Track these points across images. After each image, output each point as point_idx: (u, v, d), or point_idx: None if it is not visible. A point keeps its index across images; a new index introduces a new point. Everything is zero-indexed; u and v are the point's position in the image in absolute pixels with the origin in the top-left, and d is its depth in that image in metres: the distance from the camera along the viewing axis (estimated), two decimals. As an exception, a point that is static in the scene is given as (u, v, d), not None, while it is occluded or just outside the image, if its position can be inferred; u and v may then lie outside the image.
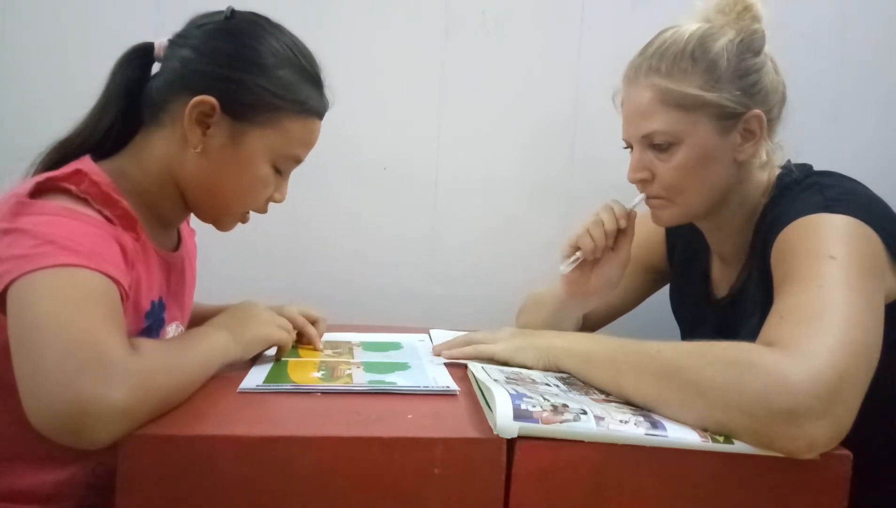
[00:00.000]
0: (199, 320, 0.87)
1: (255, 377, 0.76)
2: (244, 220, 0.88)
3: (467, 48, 1.29)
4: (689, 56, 0.86)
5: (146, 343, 0.67)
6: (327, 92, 0.87)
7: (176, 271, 0.88)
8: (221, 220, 0.87)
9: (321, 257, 1.30)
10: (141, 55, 0.82)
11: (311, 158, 1.27)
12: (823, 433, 0.61)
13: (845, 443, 0.64)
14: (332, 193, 1.30)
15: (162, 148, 0.80)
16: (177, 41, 0.81)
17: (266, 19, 0.83)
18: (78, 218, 0.70)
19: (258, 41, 0.80)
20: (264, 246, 1.28)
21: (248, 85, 0.78)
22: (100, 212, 0.72)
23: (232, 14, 0.81)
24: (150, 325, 0.80)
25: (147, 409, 0.62)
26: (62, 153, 0.79)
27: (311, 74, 0.84)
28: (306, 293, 1.24)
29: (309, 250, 1.30)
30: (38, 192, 0.71)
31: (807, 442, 0.61)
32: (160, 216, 0.84)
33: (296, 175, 1.27)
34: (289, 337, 0.86)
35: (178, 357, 0.70)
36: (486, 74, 1.30)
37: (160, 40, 0.82)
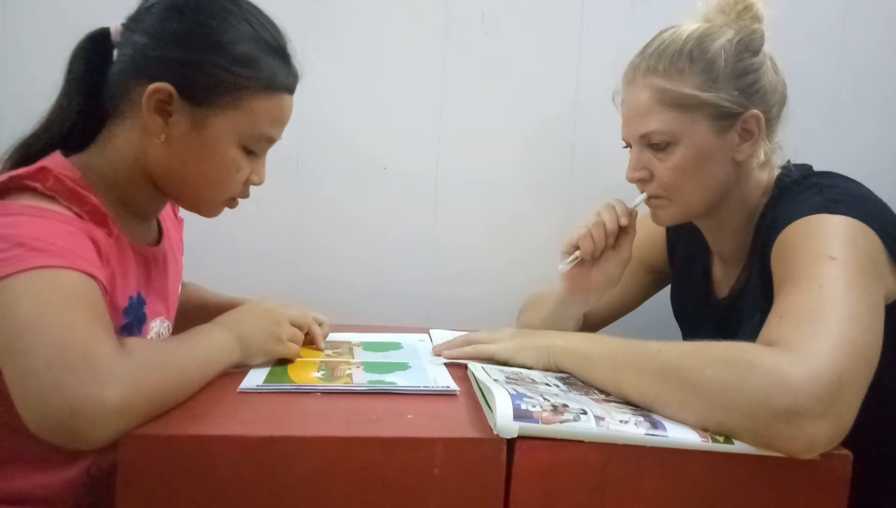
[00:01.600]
0: (209, 310, 0.87)
1: (255, 377, 0.76)
2: (231, 205, 0.85)
3: (467, 49, 1.29)
4: (687, 56, 0.86)
5: (137, 342, 0.66)
6: (296, 63, 0.82)
7: (157, 265, 0.86)
8: (201, 207, 0.84)
9: (321, 257, 1.30)
10: (98, 42, 0.79)
11: (312, 158, 1.28)
12: (823, 433, 0.61)
13: (845, 443, 0.64)
14: (333, 193, 1.30)
15: (126, 139, 0.77)
16: (129, 25, 0.77)
17: None
18: (46, 216, 0.68)
19: (212, 17, 0.75)
20: (264, 246, 1.28)
21: (205, 66, 0.74)
22: (68, 208, 0.70)
23: None
24: (130, 321, 0.78)
25: (142, 407, 0.61)
26: (28, 151, 0.77)
27: (273, 46, 0.78)
28: (306, 293, 1.24)
29: (309, 251, 1.30)
30: (3, 192, 0.69)
31: (807, 442, 0.61)
32: (135, 209, 0.82)
33: (296, 176, 1.28)
34: (297, 350, 0.85)
35: (175, 357, 0.69)
36: (486, 75, 1.30)
37: (115, 25, 0.79)
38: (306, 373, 0.80)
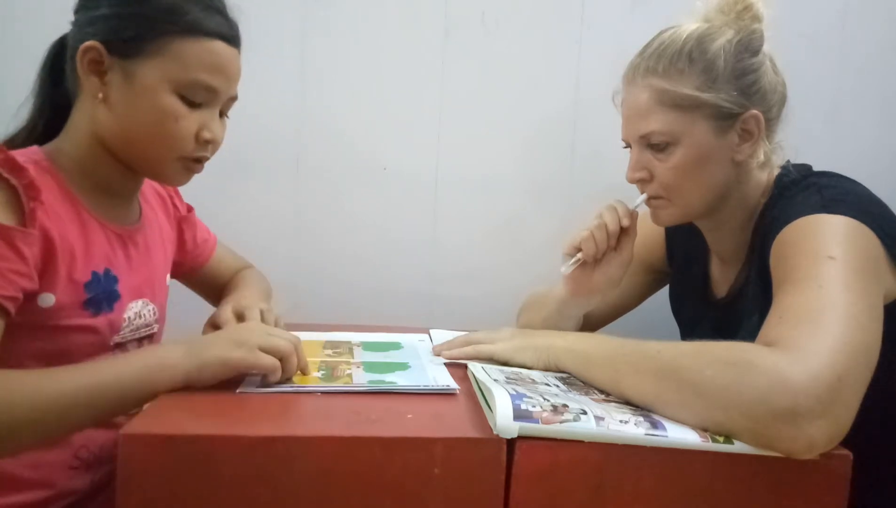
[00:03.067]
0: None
1: (255, 378, 0.76)
2: (191, 168, 0.84)
3: (467, 49, 1.29)
4: (687, 56, 0.86)
5: None
6: (231, 16, 0.83)
7: (135, 245, 0.87)
8: (159, 170, 0.84)
9: (321, 257, 1.30)
10: (59, 44, 0.83)
11: (312, 158, 1.28)
12: (823, 433, 0.61)
13: (845, 443, 0.64)
14: (333, 193, 1.30)
15: (81, 113, 0.81)
16: (75, 9, 0.81)
17: None
18: None
19: None
20: (264, 246, 1.28)
21: (126, 18, 0.77)
22: (7, 181, 0.70)
23: None
24: (95, 296, 0.79)
25: None
26: (10, 147, 0.78)
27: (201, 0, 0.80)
28: (306, 293, 1.25)
29: (309, 250, 1.30)
30: None
31: (806, 442, 0.61)
32: (105, 187, 0.83)
33: (296, 175, 1.28)
34: (271, 362, 0.73)
35: (14, 392, 0.65)
36: (486, 74, 1.30)
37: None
38: (306, 373, 0.80)
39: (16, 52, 1.20)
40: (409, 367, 0.85)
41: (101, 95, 0.78)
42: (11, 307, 0.70)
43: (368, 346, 0.97)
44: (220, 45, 0.81)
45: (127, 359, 0.75)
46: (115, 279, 0.82)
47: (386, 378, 0.79)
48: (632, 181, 0.93)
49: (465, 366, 0.82)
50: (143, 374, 0.70)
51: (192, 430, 0.62)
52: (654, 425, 0.64)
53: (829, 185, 0.83)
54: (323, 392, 0.74)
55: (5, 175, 0.70)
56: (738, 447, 0.63)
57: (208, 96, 0.81)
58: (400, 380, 0.78)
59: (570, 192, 1.33)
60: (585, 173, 1.32)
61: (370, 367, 0.84)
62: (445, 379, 0.79)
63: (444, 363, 0.87)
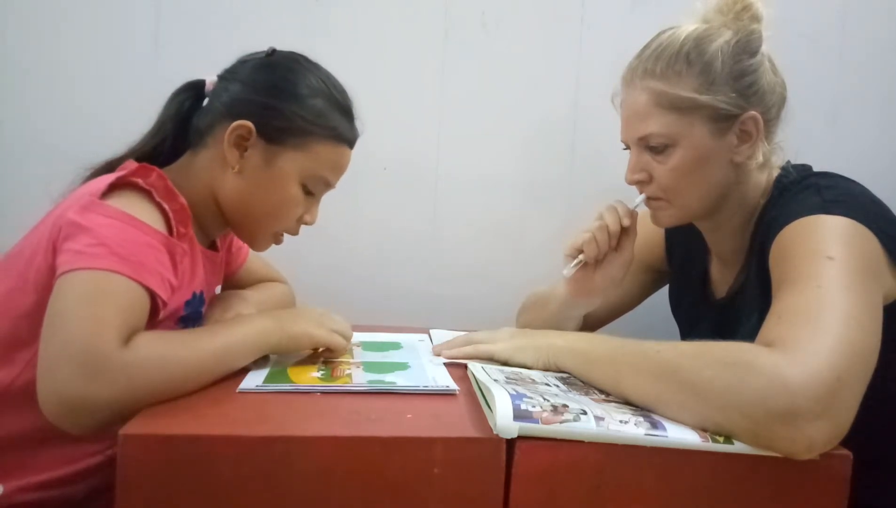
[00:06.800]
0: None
1: (255, 377, 0.76)
2: (277, 241, 0.94)
3: (467, 49, 1.29)
4: (685, 58, 0.86)
5: (146, 337, 0.70)
6: (358, 123, 0.93)
7: (212, 268, 0.94)
8: (255, 237, 0.94)
9: (321, 256, 1.30)
10: (191, 89, 0.91)
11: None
12: (822, 433, 0.61)
13: (845, 443, 0.64)
14: (333, 192, 1.29)
15: (205, 166, 0.88)
16: (225, 76, 0.90)
17: (304, 57, 0.91)
18: (135, 226, 0.75)
19: (294, 74, 0.88)
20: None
21: (283, 111, 0.86)
22: (160, 205, 0.78)
23: (272, 52, 0.90)
24: (188, 314, 0.85)
25: (136, 397, 0.66)
26: (112, 169, 0.84)
27: (342, 105, 0.91)
28: (306, 294, 1.24)
29: (309, 250, 1.30)
30: (112, 188, 0.77)
31: (805, 443, 0.61)
32: (200, 225, 0.90)
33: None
34: (343, 343, 0.86)
35: (183, 348, 0.72)
36: (486, 75, 1.30)
37: (211, 78, 0.90)
38: (306, 373, 0.80)
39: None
40: (409, 367, 0.85)
41: (237, 168, 0.86)
42: (162, 311, 0.77)
43: (368, 346, 0.97)
44: (347, 151, 0.92)
45: (242, 326, 0.80)
46: (203, 302, 0.89)
47: (385, 378, 0.79)
48: (631, 183, 0.93)
49: (465, 366, 0.82)
50: (256, 338, 0.78)
51: (192, 430, 0.62)
52: (654, 425, 0.64)
53: (829, 185, 0.83)
54: (323, 392, 0.74)
55: (157, 199, 0.78)
56: (738, 447, 0.63)
57: (323, 190, 0.93)
58: (399, 380, 0.79)
59: (570, 192, 1.33)
60: (585, 174, 1.32)
61: (370, 367, 0.84)
62: (445, 379, 0.79)
63: (444, 363, 0.87)
